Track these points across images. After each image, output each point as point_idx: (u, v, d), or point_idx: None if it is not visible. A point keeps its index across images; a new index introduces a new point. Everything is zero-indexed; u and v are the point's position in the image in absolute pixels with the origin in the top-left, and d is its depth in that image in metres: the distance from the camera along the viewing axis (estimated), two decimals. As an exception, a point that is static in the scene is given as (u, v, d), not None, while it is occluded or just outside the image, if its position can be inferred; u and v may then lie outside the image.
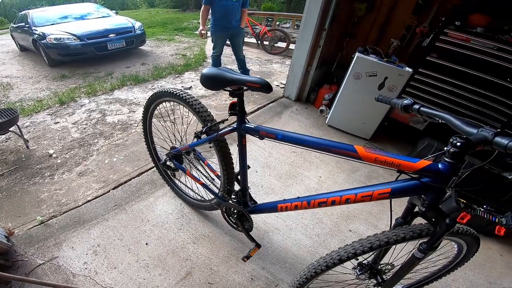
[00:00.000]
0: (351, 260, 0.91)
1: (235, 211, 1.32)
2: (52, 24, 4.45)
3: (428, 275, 1.21)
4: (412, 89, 2.63)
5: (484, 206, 2.17)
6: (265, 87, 0.94)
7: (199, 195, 1.66)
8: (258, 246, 1.31)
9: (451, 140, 0.67)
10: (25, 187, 1.95)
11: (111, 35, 4.38)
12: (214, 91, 3.52)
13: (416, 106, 0.86)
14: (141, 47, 5.24)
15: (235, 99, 1.06)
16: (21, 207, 1.79)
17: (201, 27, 3.30)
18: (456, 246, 1.03)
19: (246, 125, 1.08)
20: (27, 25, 4.47)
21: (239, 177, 1.31)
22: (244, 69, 3.86)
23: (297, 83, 3.21)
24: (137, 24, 4.90)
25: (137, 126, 2.73)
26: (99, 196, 1.83)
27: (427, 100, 2.60)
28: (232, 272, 1.48)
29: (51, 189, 1.94)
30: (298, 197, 1.02)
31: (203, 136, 1.27)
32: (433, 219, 0.78)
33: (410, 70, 2.40)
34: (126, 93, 3.51)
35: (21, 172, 2.09)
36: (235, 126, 1.11)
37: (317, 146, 0.89)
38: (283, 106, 3.23)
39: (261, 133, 1.02)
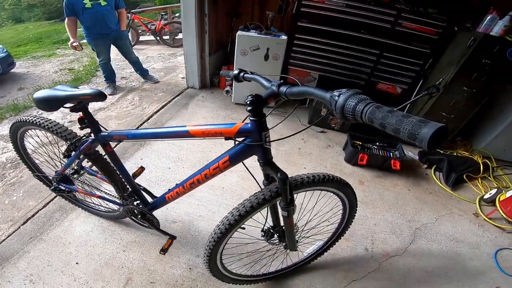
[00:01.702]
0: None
1: (137, 212, 1.32)
2: None
3: (334, 230, 1.33)
4: (296, 54, 2.92)
5: (377, 144, 2.58)
6: (97, 96, 0.98)
7: (109, 207, 1.61)
8: (172, 237, 1.35)
9: (245, 100, 0.77)
10: None
11: (-38, 66, 3.55)
12: (112, 101, 3.26)
13: (241, 74, 0.97)
14: (12, 71, 4.38)
15: (81, 114, 1.06)
16: None
17: (71, 40, 2.91)
18: (337, 198, 1.14)
19: (101, 134, 1.10)
20: None
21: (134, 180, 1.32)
22: (141, 70, 3.67)
23: (196, 72, 3.22)
24: (-4, 47, 4.06)
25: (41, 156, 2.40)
26: (11, 234, 1.68)
27: (312, 61, 2.91)
28: (169, 267, 1.51)
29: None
30: (176, 184, 1.08)
31: (73, 154, 1.20)
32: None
33: (285, 37, 2.65)
34: (8, 127, 2.97)
35: None
36: (93, 137, 1.11)
37: (158, 136, 0.98)
38: (189, 97, 3.23)
39: (114, 138, 1.06)
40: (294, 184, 0.95)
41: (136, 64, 3.57)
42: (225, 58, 3.54)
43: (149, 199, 1.35)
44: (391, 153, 2.32)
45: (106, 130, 1.12)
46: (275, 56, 2.69)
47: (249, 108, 0.76)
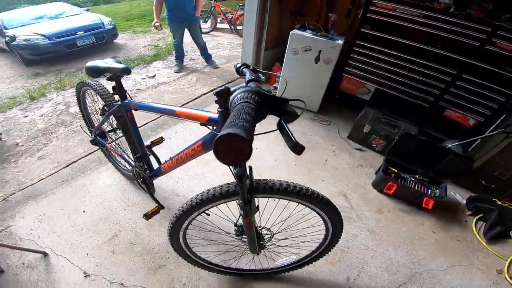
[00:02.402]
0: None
1: (141, 175, 1.50)
2: (22, 26, 4.58)
3: (314, 249, 1.27)
4: (354, 62, 2.71)
5: (417, 176, 2.20)
6: (123, 70, 1.22)
7: (128, 168, 1.87)
8: (160, 207, 1.47)
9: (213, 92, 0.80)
10: (-4, 172, 2.21)
11: (79, 33, 4.53)
12: (175, 78, 3.69)
13: (241, 67, 0.99)
14: (114, 41, 5.36)
15: (114, 83, 1.29)
16: (-10, 188, 2.05)
17: (155, 20, 3.40)
18: (318, 217, 1.06)
19: (125, 101, 1.30)
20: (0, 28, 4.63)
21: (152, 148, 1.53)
22: (206, 55, 3.99)
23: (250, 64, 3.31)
24: (106, 20, 5.02)
25: (96, 113, 2.93)
26: (51, 174, 2.07)
27: (370, 72, 2.66)
28: (154, 235, 1.67)
29: (15, 171, 2.20)
30: (170, 157, 1.20)
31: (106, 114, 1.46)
32: None
33: (340, 42, 2.48)
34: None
35: (-7, 160, 2.34)
36: (119, 103, 1.33)
37: (155, 110, 1.15)
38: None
39: (132, 106, 1.22)
40: (262, 187, 0.94)
41: (202, 49, 3.91)
42: (282, 55, 3.54)
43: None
44: (429, 190, 1.98)
45: (131, 99, 1.31)
46: (326, 60, 2.57)
47: (215, 99, 0.79)
